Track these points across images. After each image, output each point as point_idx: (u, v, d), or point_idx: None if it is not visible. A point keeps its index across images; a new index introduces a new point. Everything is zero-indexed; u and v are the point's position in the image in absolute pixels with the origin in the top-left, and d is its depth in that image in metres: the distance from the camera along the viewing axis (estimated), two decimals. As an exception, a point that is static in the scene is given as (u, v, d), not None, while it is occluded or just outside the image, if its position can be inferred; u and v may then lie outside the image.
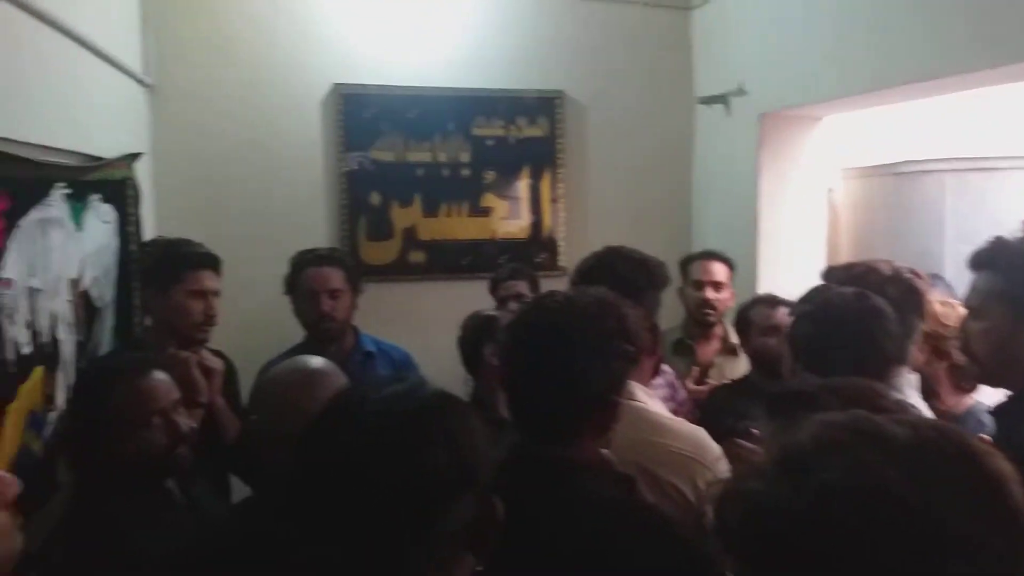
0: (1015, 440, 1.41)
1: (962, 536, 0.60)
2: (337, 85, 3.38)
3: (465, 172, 3.55)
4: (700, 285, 2.89)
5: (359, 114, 3.40)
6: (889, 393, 1.23)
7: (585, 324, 1.24)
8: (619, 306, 1.30)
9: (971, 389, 2.08)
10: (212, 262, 2.30)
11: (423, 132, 3.49)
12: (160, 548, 1.36)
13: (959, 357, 1.89)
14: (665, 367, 2.44)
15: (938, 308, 2.03)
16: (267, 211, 3.31)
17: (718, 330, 2.93)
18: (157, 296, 2.24)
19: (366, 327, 2.78)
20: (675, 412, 2.23)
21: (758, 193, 3.27)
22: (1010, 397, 1.54)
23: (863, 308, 1.62)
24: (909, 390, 1.72)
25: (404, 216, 3.49)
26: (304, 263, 2.61)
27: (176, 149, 3.19)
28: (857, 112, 3.22)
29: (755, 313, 2.57)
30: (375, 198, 3.45)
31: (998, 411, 1.59)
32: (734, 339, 2.83)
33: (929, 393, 2.01)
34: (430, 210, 3.51)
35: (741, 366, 2.75)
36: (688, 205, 3.85)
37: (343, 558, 0.84)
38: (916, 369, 1.99)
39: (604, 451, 1.31)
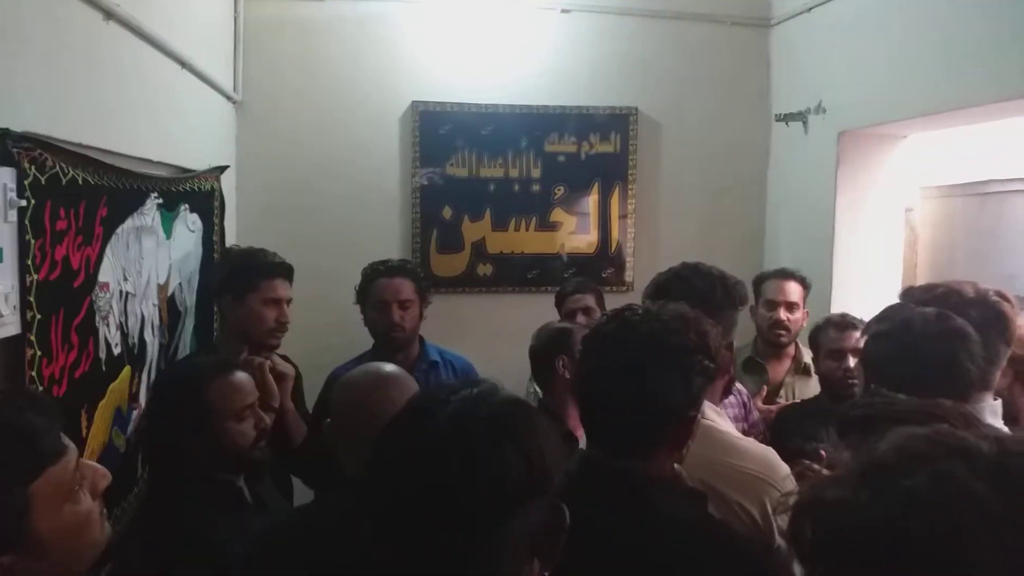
0: None
1: None
2: (415, 103, 3.46)
3: (535, 187, 3.58)
4: (774, 305, 2.83)
5: (435, 130, 3.48)
6: (979, 420, 1.18)
7: (667, 338, 1.22)
8: (701, 322, 1.28)
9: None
10: (285, 271, 2.39)
11: (496, 148, 3.54)
12: (232, 547, 1.42)
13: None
14: (739, 386, 2.41)
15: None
16: (344, 223, 3.42)
17: (790, 349, 2.87)
18: (233, 303, 2.33)
19: (433, 337, 2.82)
20: (746, 432, 2.19)
21: (835, 212, 3.20)
22: None
23: (945, 329, 1.54)
24: (992, 418, 1.64)
25: (474, 230, 3.55)
26: (376, 274, 2.67)
27: (259, 162, 3.34)
28: (941, 131, 3.12)
29: (823, 335, 2.51)
30: (447, 212, 3.52)
31: None
32: (807, 358, 2.77)
33: (1011, 420, 1.92)
34: (499, 224, 3.56)
35: (814, 386, 2.68)
36: (762, 223, 3.79)
37: (412, 560, 0.85)
38: (998, 395, 1.91)
39: (677, 466, 1.29)
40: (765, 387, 2.77)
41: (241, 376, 1.73)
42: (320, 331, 2.97)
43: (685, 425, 1.25)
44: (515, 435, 0.86)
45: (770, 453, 1.52)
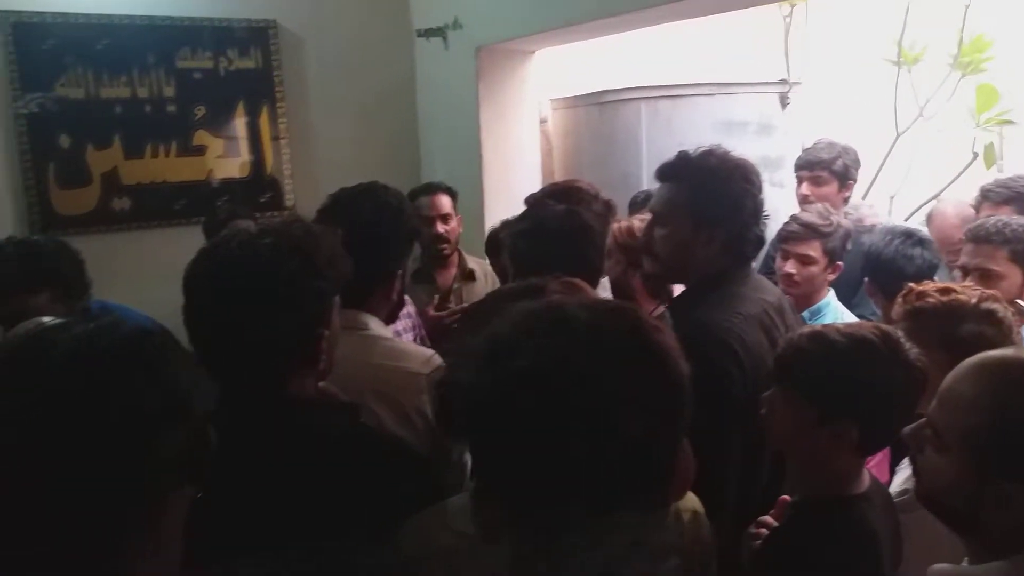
0: (682, 325, 1.59)
1: (629, 398, 0.68)
2: (6, 13, 2.93)
3: (171, 108, 3.25)
4: (430, 221, 2.91)
5: (36, 46, 2.98)
6: (584, 289, 1.33)
7: (264, 273, 1.15)
8: (307, 239, 1.22)
9: (663, 296, 2.31)
10: None
11: (117, 65, 3.14)
12: None
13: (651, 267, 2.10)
14: (408, 304, 2.46)
15: (636, 224, 2.19)
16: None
17: (454, 257, 3.01)
18: None
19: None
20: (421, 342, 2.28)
21: (479, 124, 3.37)
22: (683, 292, 1.75)
23: (573, 225, 1.74)
24: (605, 293, 1.93)
25: (102, 159, 3.14)
26: None
27: None
28: (565, 45, 3.41)
29: (504, 235, 2.66)
30: (64, 141, 3.06)
31: (674, 302, 1.82)
32: (470, 264, 2.94)
33: (627, 299, 2.24)
34: (133, 151, 3.19)
35: (479, 289, 2.86)
36: (415, 137, 3.87)
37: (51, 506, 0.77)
38: (615, 278, 2.20)
39: (322, 384, 1.28)
40: (436, 295, 2.89)
41: None
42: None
43: (313, 344, 1.21)
44: (140, 363, 0.81)
45: (430, 352, 1.59)
